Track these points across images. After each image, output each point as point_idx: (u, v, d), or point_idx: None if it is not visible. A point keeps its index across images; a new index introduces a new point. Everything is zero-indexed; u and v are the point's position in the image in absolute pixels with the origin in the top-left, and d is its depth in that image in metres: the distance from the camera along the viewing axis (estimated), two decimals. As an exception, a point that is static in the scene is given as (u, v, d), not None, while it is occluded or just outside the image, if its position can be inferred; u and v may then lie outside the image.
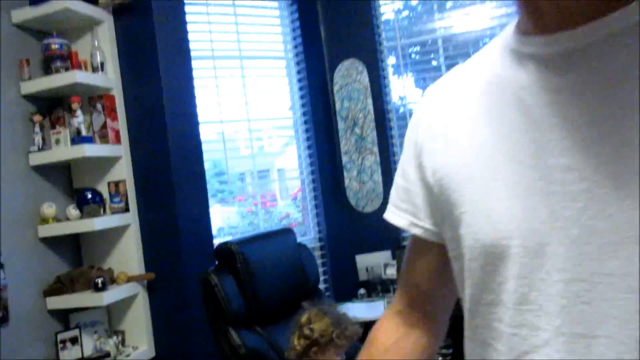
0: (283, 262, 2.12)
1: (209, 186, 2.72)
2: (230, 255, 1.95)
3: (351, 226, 3.14)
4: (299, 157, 3.18)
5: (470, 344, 0.68)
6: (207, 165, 2.76)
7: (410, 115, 3.17)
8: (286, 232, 2.23)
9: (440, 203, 0.68)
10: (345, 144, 3.05)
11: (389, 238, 3.12)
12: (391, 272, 2.98)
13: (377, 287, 2.98)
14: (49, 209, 2.46)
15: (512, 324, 0.60)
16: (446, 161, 0.67)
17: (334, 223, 3.14)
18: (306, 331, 1.79)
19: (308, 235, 3.14)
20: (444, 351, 2.11)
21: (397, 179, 0.77)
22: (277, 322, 2.03)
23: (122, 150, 2.58)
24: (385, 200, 2.96)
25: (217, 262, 2.01)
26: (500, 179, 0.62)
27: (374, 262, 3.07)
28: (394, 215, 0.76)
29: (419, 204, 0.72)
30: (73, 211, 2.51)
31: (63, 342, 2.48)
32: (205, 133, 2.81)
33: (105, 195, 2.61)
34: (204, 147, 2.71)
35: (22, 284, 2.35)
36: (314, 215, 3.18)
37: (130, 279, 2.58)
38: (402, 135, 3.19)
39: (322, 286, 2.65)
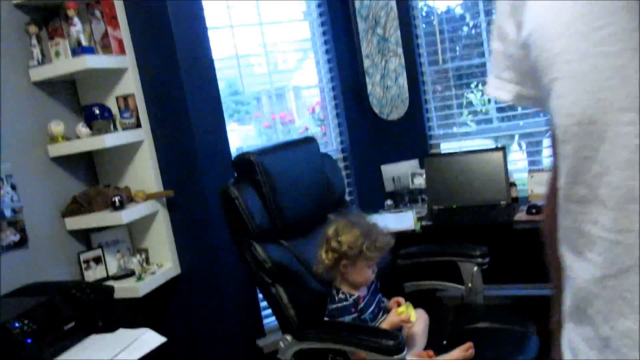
0: (306, 172, 1.99)
1: (224, 106, 2.55)
2: (249, 166, 1.82)
3: (375, 135, 2.97)
4: (317, 63, 2.96)
5: (563, 251, 0.54)
6: (221, 85, 2.57)
7: (435, 11, 2.92)
8: (308, 141, 2.07)
9: (532, 68, 0.52)
10: (367, 46, 2.81)
11: (416, 146, 2.96)
12: (419, 181, 2.85)
13: (405, 198, 2.86)
14: (57, 127, 2.34)
15: (612, 229, 0.45)
16: (540, 9, 0.49)
17: (357, 133, 2.98)
18: (334, 244, 1.69)
19: (330, 147, 2.99)
20: (479, 260, 2.00)
21: (494, 43, 0.59)
22: (303, 235, 1.93)
23: (127, 62, 2.40)
24: (412, 106, 2.77)
25: (236, 175, 1.88)
26: (604, 29, 0.44)
27: (401, 171, 2.93)
28: (496, 89, 0.61)
29: (524, 70, 0.55)
30: (82, 129, 2.39)
31: (87, 262, 2.46)
32: (218, 51, 2.59)
33: (115, 110, 2.47)
34: (216, 64, 2.51)
35: (38, 206, 2.28)
36: (335, 126, 3.01)
37: (149, 197, 2.50)
38: (428, 34, 2.97)
39: (347, 198, 2.54)
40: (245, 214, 1.74)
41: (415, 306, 1.77)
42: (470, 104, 3.05)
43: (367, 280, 1.73)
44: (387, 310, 1.80)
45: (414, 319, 1.69)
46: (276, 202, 1.84)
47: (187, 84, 2.39)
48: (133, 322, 2.13)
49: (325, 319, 1.71)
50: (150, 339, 2.00)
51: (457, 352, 1.65)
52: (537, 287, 2.76)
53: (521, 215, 2.32)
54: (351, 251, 1.67)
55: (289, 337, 1.67)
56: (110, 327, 2.09)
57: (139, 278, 2.42)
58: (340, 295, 1.71)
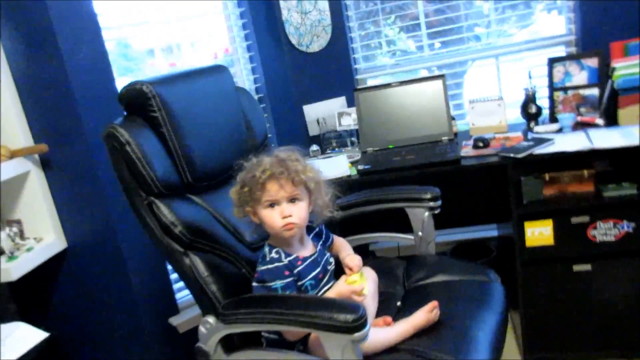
0: (219, 108, 1.56)
1: (113, 65, 2.01)
2: (142, 99, 1.36)
3: (294, 70, 2.57)
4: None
5: None
6: (109, 45, 2.01)
7: None
8: (219, 70, 1.63)
9: None
10: (280, -38, 2.37)
11: (343, 81, 2.59)
12: (347, 122, 2.50)
13: (332, 142, 2.52)
14: None
15: None
16: None
17: (272, 69, 2.56)
18: (239, 177, 1.32)
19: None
20: (431, 204, 1.71)
21: None
22: (219, 188, 1.53)
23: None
24: (335, 34, 2.37)
25: (125, 113, 1.42)
26: None
27: (326, 111, 2.57)
28: None
29: None
30: None
31: (-64, 241, 1.89)
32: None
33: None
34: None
35: None
36: (246, 61, 2.57)
37: (14, 154, 1.95)
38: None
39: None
40: (141, 164, 1.30)
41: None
42: (388, 42, 2.73)
43: (274, 227, 1.31)
44: (333, 278, 1.45)
45: (366, 292, 1.35)
46: (182, 145, 1.41)
47: (52, 4, 1.83)
48: (2, 314, 1.64)
49: (254, 284, 1.33)
50: (26, 335, 1.54)
51: (420, 314, 1.35)
52: (490, 227, 2.58)
53: (467, 150, 2.06)
54: (244, 188, 1.30)
55: (211, 320, 1.29)
56: (-30, 325, 1.59)
57: (11, 257, 1.91)
58: (273, 255, 1.33)
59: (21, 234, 2.05)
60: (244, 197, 1.31)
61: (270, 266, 1.31)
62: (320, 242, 1.46)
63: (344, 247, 1.53)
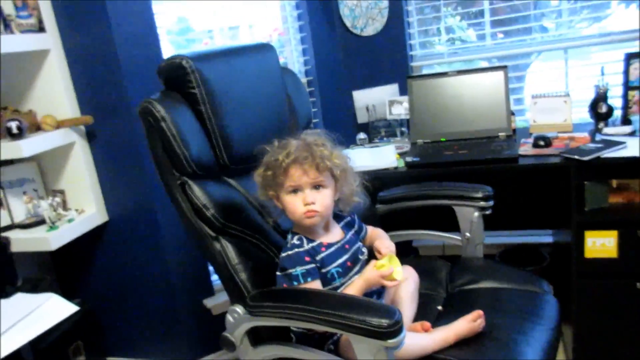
0: (261, 88, 1.48)
1: (173, 45, 1.98)
2: (181, 74, 1.30)
3: (347, 54, 2.47)
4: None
5: None
6: (169, 24, 1.98)
7: None
8: (264, 49, 1.55)
9: None
10: (339, -60, 2.26)
11: (396, 68, 2.47)
12: (398, 111, 2.38)
13: (381, 130, 2.41)
14: None
15: None
16: None
17: (324, 51, 2.46)
18: (264, 159, 1.25)
19: (290, 68, 2.47)
20: (482, 204, 1.58)
21: None
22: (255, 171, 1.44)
23: (21, -60, 1.79)
24: (392, 17, 2.22)
25: (164, 88, 1.36)
26: None
27: (377, 99, 2.45)
28: None
29: None
30: (-34, 33, 1.80)
31: (-18, 206, 1.93)
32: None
33: (9, 10, 1.87)
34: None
35: None
36: (297, 42, 2.48)
37: (60, 124, 1.96)
38: None
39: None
40: (175, 141, 1.24)
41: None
42: (448, 29, 2.56)
43: (296, 213, 1.23)
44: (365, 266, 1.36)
45: (399, 277, 1.24)
46: (220, 125, 1.34)
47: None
48: (36, 285, 1.65)
49: (277, 272, 1.25)
50: (56, 307, 1.52)
51: (463, 322, 1.25)
52: (544, 233, 2.41)
53: (526, 149, 1.91)
54: (267, 172, 1.23)
55: (239, 310, 1.22)
56: (4, 291, 1.60)
57: (52, 227, 1.92)
58: (295, 241, 1.26)
59: (64, 205, 2.06)
60: (267, 181, 1.24)
61: (290, 252, 1.23)
62: (352, 231, 1.37)
63: (380, 235, 1.43)
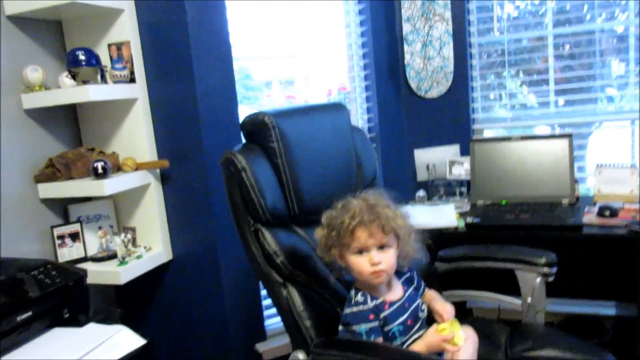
0: (332, 144, 1.57)
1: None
2: (262, 129, 1.40)
3: (410, 114, 2.55)
4: (346, 25, 2.52)
5: None
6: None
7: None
8: (337, 108, 1.65)
9: None
10: (408, 7, 2.38)
11: (458, 129, 2.52)
12: (458, 171, 2.42)
13: (440, 189, 2.44)
14: (33, 73, 1.94)
15: None
16: None
17: (388, 110, 2.55)
18: (325, 219, 1.28)
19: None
20: (545, 270, 1.58)
21: None
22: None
23: (124, 1, 1.99)
24: (456, 82, 2.27)
25: (244, 141, 1.47)
26: None
27: (437, 158, 2.50)
28: None
29: None
30: (66, 79, 2.01)
31: (61, 237, 2.06)
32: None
33: (106, 60, 2.06)
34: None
35: (6, 167, 1.89)
36: (362, 101, 2.59)
37: (139, 167, 2.10)
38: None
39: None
40: (254, 191, 1.33)
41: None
42: (510, 95, 2.61)
43: (363, 273, 1.26)
44: (424, 326, 1.37)
45: (460, 343, 1.25)
46: (294, 177, 1.42)
47: (193, 33, 1.97)
48: (107, 316, 1.73)
49: (340, 327, 1.29)
50: (126, 339, 1.60)
51: (524, 391, 1.23)
52: (607, 305, 2.33)
53: (591, 218, 1.90)
54: (332, 232, 1.25)
55: (301, 356, 1.26)
56: (78, 321, 1.69)
57: (122, 262, 2.03)
58: (358, 298, 1.29)
59: (134, 241, 2.18)
60: (330, 241, 1.28)
61: (354, 309, 1.27)
62: (412, 288, 1.40)
63: (435, 297, 1.45)
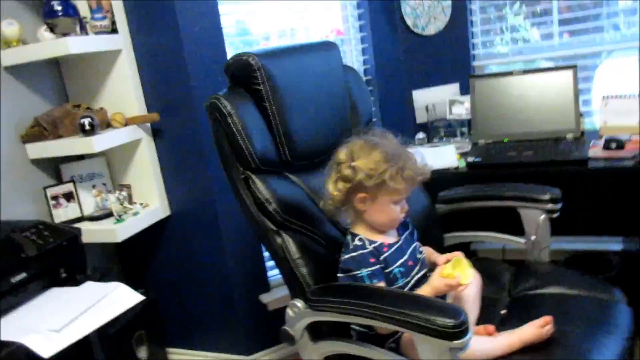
0: (324, 85, 1.49)
1: (230, 47, 2.04)
2: (247, 71, 1.33)
3: (407, 53, 2.44)
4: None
5: None
6: (229, 29, 2.05)
7: None
8: (327, 47, 1.56)
9: None
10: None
11: (458, 67, 2.42)
12: (458, 111, 2.34)
13: (440, 131, 2.37)
14: (9, 27, 1.86)
15: None
16: None
17: (384, 50, 2.45)
18: (346, 171, 1.23)
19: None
20: (550, 206, 1.53)
21: None
22: (315, 168, 1.45)
23: (97, -55, 1.88)
24: (455, 16, 2.17)
25: (229, 86, 1.39)
26: None
27: (437, 98, 2.41)
28: None
29: None
30: (45, 33, 1.92)
31: (55, 198, 2.03)
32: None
33: (85, 12, 1.96)
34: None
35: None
36: (357, 41, 2.48)
37: (129, 121, 2.04)
38: None
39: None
40: (241, 136, 1.27)
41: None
42: (511, 28, 2.48)
43: (393, 220, 1.28)
44: (426, 266, 1.35)
45: (466, 281, 1.22)
46: (284, 121, 1.36)
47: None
48: (104, 274, 1.72)
49: (339, 274, 1.26)
50: (123, 296, 1.58)
51: (530, 328, 1.20)
52: (614, 240, 2.29)
53: (596, 151, 1.83)
54: (369, 180, 1.21)
55: (299, 304, 1.23)
56: (75, 280, 1.67)
57: (118, 220, 2.00)
58: (357, 242, 1.26)
59: (129, 199, 2.14)
60: (359, 187, 1.23)
61: (354, 254, 1.24)
62: (407, 232, 1.37)
63: (432, 251, 1.45)
